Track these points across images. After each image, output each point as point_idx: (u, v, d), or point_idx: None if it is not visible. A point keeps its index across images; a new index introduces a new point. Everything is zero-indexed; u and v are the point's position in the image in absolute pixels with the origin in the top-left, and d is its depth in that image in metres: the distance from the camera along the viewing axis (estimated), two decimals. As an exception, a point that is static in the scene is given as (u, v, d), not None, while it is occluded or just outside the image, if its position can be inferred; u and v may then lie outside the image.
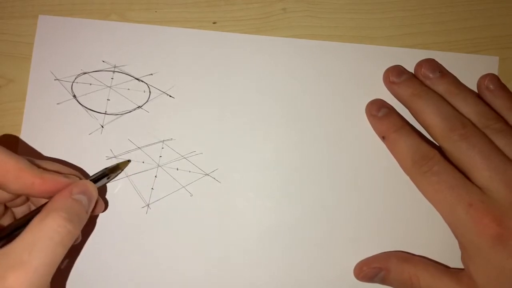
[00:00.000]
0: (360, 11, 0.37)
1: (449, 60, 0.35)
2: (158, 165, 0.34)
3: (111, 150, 0.34)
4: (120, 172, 0.33)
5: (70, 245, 0.26)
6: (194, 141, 0.34)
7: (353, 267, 0.33)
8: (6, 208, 0.30)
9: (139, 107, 0.35)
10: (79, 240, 0.30)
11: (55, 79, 0.35)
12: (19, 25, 0.35)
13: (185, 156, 0.34)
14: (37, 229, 0.25)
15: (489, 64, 0.36)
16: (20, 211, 0.31)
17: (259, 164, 0.34)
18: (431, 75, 0.34)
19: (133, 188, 0.33)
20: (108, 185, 0.33)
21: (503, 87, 0.34)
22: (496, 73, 0.36)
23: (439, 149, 0.32)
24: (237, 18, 0.37)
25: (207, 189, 0.34)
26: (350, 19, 0.37)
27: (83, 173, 0.33)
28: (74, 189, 0.27)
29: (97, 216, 0.33)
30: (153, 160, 0.34)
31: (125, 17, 0.36)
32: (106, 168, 0.31)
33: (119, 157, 0.34)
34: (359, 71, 0.36)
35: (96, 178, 0.30)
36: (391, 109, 0.34)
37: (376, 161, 0.34)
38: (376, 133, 0.34)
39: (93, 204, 0.28)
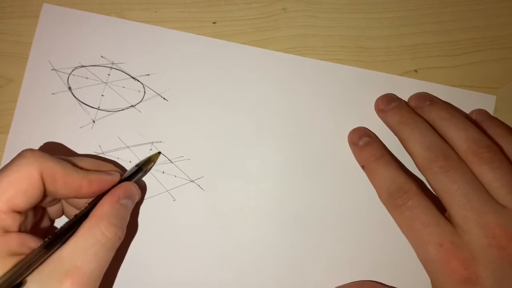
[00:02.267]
0: (360, 11, 0.37)
1: (445, 94, 0.35)
2: (145, 166, 0.34)
3: (99, 146, 0.34)
4: (153, 165, 0.33)
5: (117, 248, 0.27)
6: (183, 146, 0.35)
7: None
8: (42, 209, 0.31)
9: (132, 106, 0.35)
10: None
11: (52, 69, 0.35)
12: (19, 25, 0.35)
13: (172, 160, 0.34)
14: (90, 234, 0.26)
15: (485, 102, 0.36)
16: (53, 209, 0.31)
17: (245, 176, 0.35)
18: (421, 104, 0.34)
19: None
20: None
21: (492, 117, 0.34)
22: (492, 112, 0.35)
23: (421, 180, 0.32)
24: (237, 18, 0.36)
25: (191, 195, 0.34)
26: (350, 19, 0.37)
27: (115, 165, 0.33)
28: (121, 194, 0.29)
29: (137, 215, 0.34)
30: (140, 160, 0.34)
31: (125, 16, 0.36)
32: (139, 163, 0.33)
33: (107, 154, 0.34)
34: (354, 95, 0.36)
35: (131, 175, 0.31)
36: (373, 138, 0.34)
37: (358, 189, 0.35)
38: (357, 161, 0.34)
39: (135, 203, 0.30)
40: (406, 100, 0.35)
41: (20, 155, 0.27)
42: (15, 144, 0.34)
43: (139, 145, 0.35)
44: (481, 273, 0.28)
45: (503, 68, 0.37)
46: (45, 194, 0.27)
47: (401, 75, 0.36)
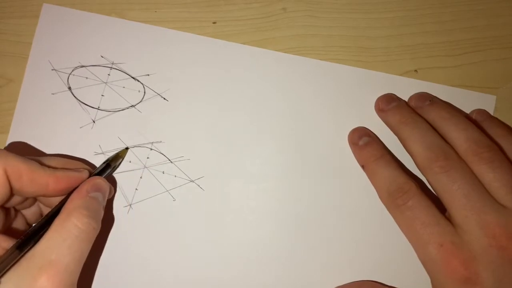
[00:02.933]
0: (360, 11, 0.37)
1: (445, 94, 0.35)
2: (145, 166, 0.34)
3: (99, 146, 0.34)
4: (121, 161, 0.33)
5: (93, 240, 0.27)
6: (183, 146, 0.35)
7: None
8: (16, 211, 0.31)
9: (132, 106, 0.35)
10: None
11: (52, 69, 0.35)
12: (19, 25, 0.35)
13: (172, 160, 0.34)
14: (61, 228, 0.26)
15: (485, 102, 0.36)
16: (29, 212, 0.31)
17: (245, 176, 0.35)
18: (421, 104, 0.34)
19: (117, 186, 0.34)
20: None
21: (492, 117, 0.34)
22: (492, 112, 0.35)
23: (421, 179, 0.32)
24: (237, 18, 0.36)
25: (190, 195, 0.34)
26: (350, 19, 0.37)
27: (86, 164, 0.33)
28: (89, 188, 0.28)
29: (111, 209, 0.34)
30: (140, 160, 0.34)
31: (125, 16, 0.36)
32: (107, 160, 0.32)
33: (107, 154, 0.34)
34: (354, 94, 0.36)
35: (101, 171, 0.31)
36: (373, 138, 0.34)
37: (358, 189, 0.35)
38: (357, 161, 0.34)
39: (106, 198, 0.30)
40: (406, 100, 0.35)
41: None
42: (15, 144, 0.34)
43: (139, 145, 0.34)
44: (481, 273, 0.28)
45: (503, 68, 0.37)
46: (11, 192, 0.27)
47: (401, 75, 0.36)
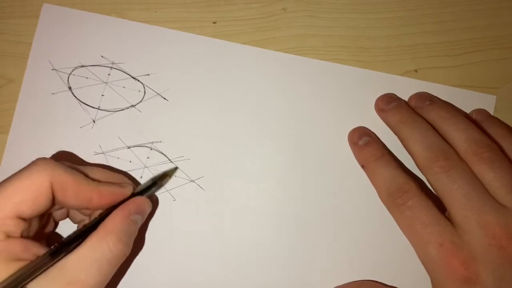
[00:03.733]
0: (360, 11, 0.37)
1: (445, 94, 0.35)
2: (145, 166, 0.34)
3: (100, 146, 0.34)
4: (168, 180, 0.33)
5: (120, 264, 0.27)
6: (183, 146, 0.35)
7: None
8: (49, 213, 0.30)
9: (132, 106, 0.35)
10: None
11: (52, 69, 0.35)
12: (19, 25, 0.35)
13: (172, 160, 0.34)
14: (96, 248, 0.26)
15: (485, 102, 0.36)
16: (58, 212, 0.31)
17: (245, 176, 0.35)
18: (421, 104, 0.34)
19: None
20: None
21: (492, 117, 0.34)
22: (492, 112, 0.35)
23: (422, 179, 0.32)
24: (237, 18, 0.36)
25: (191, 195, 0.34)
26: (350, 19, 0.37)
27: (127, 177, 0.32)
28: (133, 209, 0.28)
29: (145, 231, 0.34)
30: (140, 160, 0.34)
31: (125, 16, 0.36)
32: (155, 177, 0.32)
33: (107, 154, 0.34)
34: (354, 94, 0.36)
35: (146, 188, 0.31)
36: (373, 138, 0.34)
37: (358, 189, 0.35)
38: (357, 161, 0.34)
39: (145, 218, 0.29)
40: (406, 100, 0.35)
41: (33, 162, 0.27)
42: (15, 144, 0.34)
43: (139, 145, 0.35)
44: (481, 272, 0.28)
45: (503, 68, 0.37)
46: (53, 203, 0.27)
47: (401, 75, 0.36)
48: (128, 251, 0.27)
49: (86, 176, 0.28)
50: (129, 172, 0.34)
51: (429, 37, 0.37)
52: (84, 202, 0.27)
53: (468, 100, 0.36)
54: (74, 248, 0.26)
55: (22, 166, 0.33)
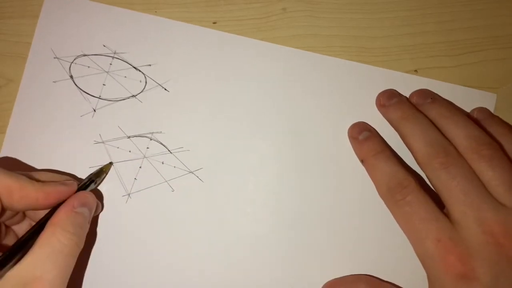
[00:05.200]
0: (360, 11, 0.37)
1: (446, 91, 0.36)
2: (144, 156, 0.34)
3: (100, 135, 0.34)
4: (105, 176, 0.33)
5: (77, 255, 0.27)
6: (183, 137, 0.35)
7: (321, 285, 0.33)
8: (7, 227, 0.30)
9: (133, 96, 0.35)
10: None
11: (54, 57, 0.35)
12: (19, 25, 0.35)
13: (172, 151, 0.34)
14: (46, 244, 0.26)
15: (486, 100, 0.36)
16: (21, 228, 0.31)
17: (244, 169, 0.35)
18: (422, 102, 0.34)
19: (116, 176, 0.34)
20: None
21: (493, 115, 0.34)
22: (492, 110, 0.35)
23: (421, 175, 0.32)
24: (237, 18, 0.37)
25: (189, 186, 0.34)
26: (350, 19, 0.37)
27: (73, 178, 0.33)
28: (75, 202, 0.28)
29: (96, 224, 0.34)
30: (139, 150, 0.34)
31: (126, 14, 0.36)
32: (91, 174, 0.32)
33: (107, 143, 0.34)
34: (355, 90, 0.36)
35: (85, 185, 0.31)
36: (373, 133, 0.34)
37: (357, 184, 0.35)
38: (357, 156, 0.34)
39: (93, 212, 0.30)
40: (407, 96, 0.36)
41: None
42: (16, 129, 0.34)
43: (139, 135, 0.34)
44: (478, 269, 0.28)
45: (503, 68, 0.37)
46: (2, 208, 0.27)
47: (401, 75, 0.37)
48: (79, 241, 0.27)
49: (31, 178, 0.28)
50: (128, 162, 0.34)
51: (429, 37, 0.37)
52: (30, 203, 0.28)
53: (469, 98, 0.36)
54: (27, 250, 0.26)
55: (22, 158, 0.33)
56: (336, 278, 0.33)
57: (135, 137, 0.34)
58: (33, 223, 0.31)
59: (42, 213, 0.29)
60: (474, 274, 0.28)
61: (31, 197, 0.27)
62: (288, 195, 0.34)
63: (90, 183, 0.32)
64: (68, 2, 0.35)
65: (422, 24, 0.37)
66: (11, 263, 0.25)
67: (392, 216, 0.32)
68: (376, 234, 0.34)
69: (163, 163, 0.34)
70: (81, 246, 0.28)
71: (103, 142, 0.34)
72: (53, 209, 0.29)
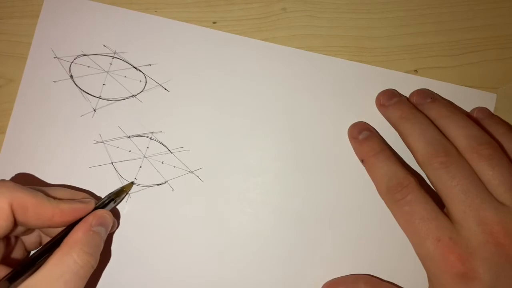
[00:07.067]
0: (360, 11, 0.37)
1: (446, 91, 0.36)
2: (144, 156, 0.34)
3: (100, 135, 0.34)
4: (125, 195, 0.33)
5: (89, 276, 0.27)
6: (183, 137, 0.35)
7: (321, 284, 0.33)
8: (16, 238, 0.30)
9: (133, 95, 0.35)
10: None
11: (54, 57, 0.35)
12: (19, 25, 0.35)
13: (172, 151, 0.34)
14: (61, 262, 0.26)
15: (486, 100, 0.36)
16: (29, 240, 0.31)
17: (244, 169, 0.35)
18: (422, 101, 0.34)
19: (116, 175, 0.34)
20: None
21: (493, 115, 0.34)
22: (492, 110, 0.36)
23: (421, 175, 0.32)
24: (237, 18, 0.37)
25: (189, 186, 0.34)
26: (350, 19, 0.37)
27: (90, 195, 0.33)
28: (93, 221, 0.28)
29: (111, 243, 0.33)
30: (140, 150, 0.34)
31: (125, 14, 0.36)
32: (111, 193, 0.32)
33: (107, 143, 0.34)
34: (355, 90, 0.36)
35: (103, 204, 0.31)
36: (373, 133, 0.34)
37: (357, 184, 0.35)
38: (356, 155, 0.34)
39: (109, 232, 0.29)
40: (407, 96, 0.36)
41: None
42: (16, 129, 0.34)
43: (139, 135, 0.34)
44: (478, 268, 0.28)
45: (503, 68, 0.37)
46: (15, 224, 0.27)
47: (401, 75, 0.37)
48: (94, 263, 0.27)
49: (47, 195, 0.28)
50: (128, 162, 0.34)
51: (429, 37, 0.37)
52: (46, 221, 0.27)
53: (469, 98, 0.36)
54: (39, 267, 0.26)
55: (22, 157, 0.33)
56: (336, 278, 0.33)
57: (135, 137, 0.34)
58: (43, 234, 0.31)
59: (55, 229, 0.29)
60: (474, 273, 0.28)
61: (47, 215, 0.27)
62: (288, 195, 0.34)
63: (110, 202, 0.31)
64: (68, 2, 0.35)
65: (422, 24, 0.37)
66: (22, 278, 0.25)
67: (392, 216, 0.32)
68: (376, 234, 0.34)
69: (163, 163, 0.34)
70: (95, 266, 0.27)
71: (103, 142, 0.34)
72: (69, 225, 0.28)
